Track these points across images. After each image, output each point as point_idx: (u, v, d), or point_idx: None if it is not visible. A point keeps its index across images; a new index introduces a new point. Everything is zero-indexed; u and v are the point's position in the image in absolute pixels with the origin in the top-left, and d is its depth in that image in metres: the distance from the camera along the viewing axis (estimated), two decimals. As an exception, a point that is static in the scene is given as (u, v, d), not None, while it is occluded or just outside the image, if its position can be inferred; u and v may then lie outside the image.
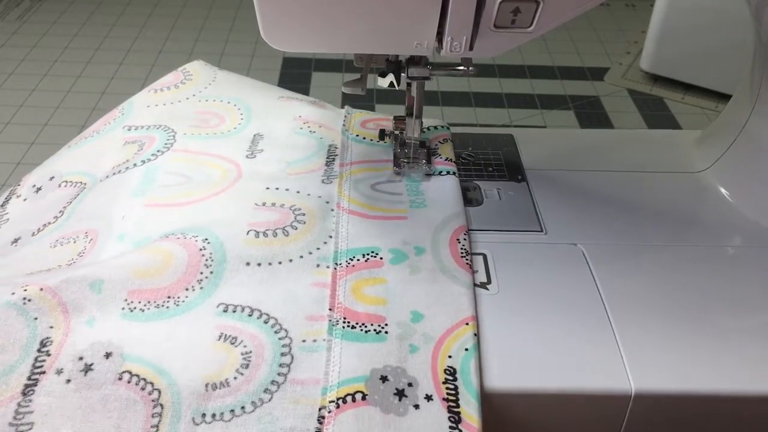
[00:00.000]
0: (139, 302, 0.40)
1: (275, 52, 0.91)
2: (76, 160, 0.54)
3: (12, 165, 0.71)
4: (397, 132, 0.54)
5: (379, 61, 0.48)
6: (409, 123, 0.52)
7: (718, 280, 0.45)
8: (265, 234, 0.45)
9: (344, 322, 0.40)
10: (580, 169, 0.56)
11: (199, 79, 0.61)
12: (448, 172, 0.52)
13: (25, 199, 0.53)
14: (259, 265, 0.43)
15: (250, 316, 0.40)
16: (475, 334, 0.40)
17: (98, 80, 0.87)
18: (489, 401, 0.38)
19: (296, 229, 0.45)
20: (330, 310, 0.41)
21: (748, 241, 0.49)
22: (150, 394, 0.37)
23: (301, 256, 0.44)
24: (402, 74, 0.49)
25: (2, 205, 0.53)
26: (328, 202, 0.48)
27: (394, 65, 0.48)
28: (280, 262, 0.43)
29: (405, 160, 0.53)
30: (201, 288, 0.41)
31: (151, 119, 0.55)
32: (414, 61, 0.47)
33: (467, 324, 0.41)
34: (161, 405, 0.36)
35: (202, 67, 0.62)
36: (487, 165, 0.56)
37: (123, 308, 0.40)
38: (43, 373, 0.37)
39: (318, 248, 0.45)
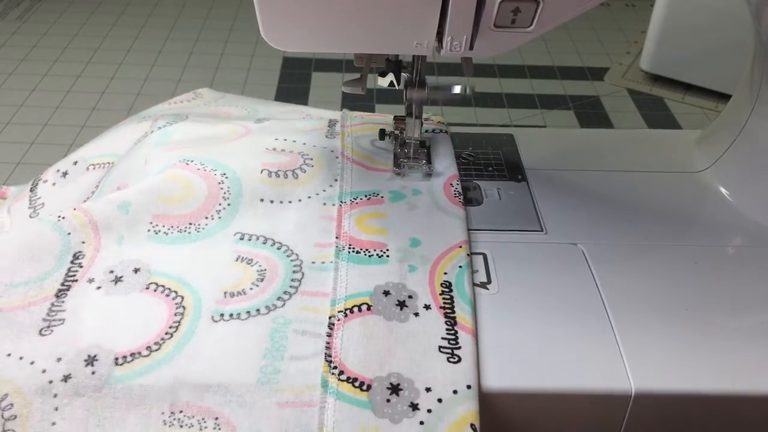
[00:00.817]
0: (163, 226, 0.46)
1: (275, 52, 0.91)
2: (99, 147, 0.57)
3: (12, 165, 0.71)
4: (397, 132, 0.54)
5: (379, 61, 0.48)
6: (409, 123, 0.52)
7: (718, 280, 0.45)
8: (276, 174, 0.49)
9: (349, 248, 0.45)
10: (580, 169, 0.56)
11: (209, 96, 0.68)
12: (440, 131, 0.57)
13: (53, 184, 0.54)
14: (271, 202, 0.48)
15: (264, 243, 0.46)
16: (468, 254, 0.45)
17: (98, 80, 0.87)
18: (489, 401, 0.38)
19: (305, 172, 0.50)
20: (336, 238, 0.46)
21: (748, 241, 0.49)
22: (174, 299, 0.42)
23: (309, 197, 0.49)
24: (402, 74, 0.49)
25: (32, 190, 0.54)
26: (332, 152, 0.53)
27: (394, 65, 0.48)
28: (290, 201, 0.48)
29: (405, 160, 0.53)
30: (219, 218, 0.46)
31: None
32: (413, 83, 0.50)
33: (460, 247, 0.46)
34: (183, 306, 0.41)
35: (209, 91, 0.70)
36: (487, 165, 0.56)
37: (149, 230, 0.45)
38: (76, 281, 0.42)
39: (324, 190, 0.50)
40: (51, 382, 0.37)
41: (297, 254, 0.45)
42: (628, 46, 0.96)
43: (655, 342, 0.41)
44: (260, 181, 0.48)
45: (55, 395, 0.36)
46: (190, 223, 0.46)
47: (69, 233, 0.44)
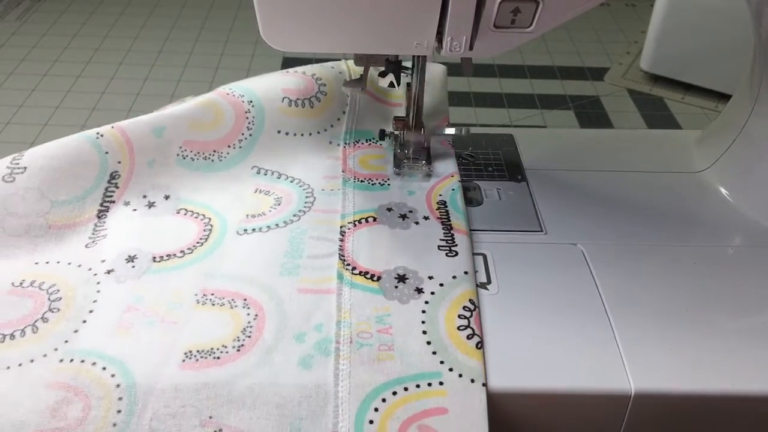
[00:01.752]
0: (191, 152, 0.51)
1: (275, 52, 0.91)
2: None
3: (12, 165, 0.70)
4: (397, 132, 0.54)
5: (379, 61, 0.48)
6: (410, 134, 0.52)
7: (718, 280, 0.45)
8: (296, 104, 0.53)
9: (355, 179, 0.52)
10: (580, 169, 0.56)
11: None
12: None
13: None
14: (287, 134, 0.53)
15: (278, 178, 0.52)
16: (459, 181, 0.52)
17: (98, 80, 0.87)
18: (488, 401, 0.38)
19: (319, 101, 0.55)
20: (343, 172, 0.52)
21: (748, 241, 0.49)
22: (202, 220, 0.48)
23: (318, 132, 0.54)
24: (402, 74, 0.49)
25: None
26: (341, 73, 0.56)
27: (394, 65, 0.48)
28: (302, 134, 0.53)
29: (405, 160, 0.53)
30: (240, 147, 0.52)
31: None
32: (410, 126, 0.52)
33: (452, 176, 0.52)
34: (211, 225, 0.48)
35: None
36: (487, 165, 0.56)
37: (177, 155, 0.50)
38: (113, 202, 0.48)
39: (332, 125, 0.55)
40: (95, 274, 0.43)
41: (308, 184, 0.51)
42: (628, 46, 0.96)
43: (655, 342, 0.41)
44: (281, 111, 0.53)
45: (99, 283, 0.43)
46: (214, 151, 0.51)
47: (107, 152, 0.48)
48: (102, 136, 0.48)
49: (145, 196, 0.48)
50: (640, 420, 0.39)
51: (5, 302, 0.42)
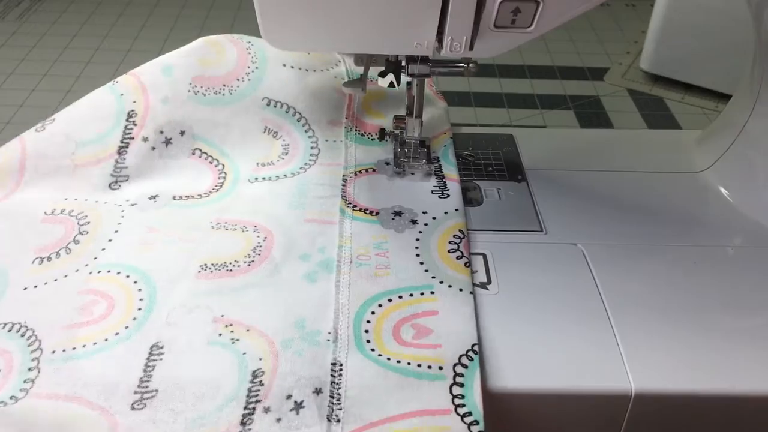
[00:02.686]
0: (201, 87, 0.53)
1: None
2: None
3: (12, 165, 0.70)
4: (397, 131, 0.54)
5: (379, 61, 0.48)
6: (410, 122, 0.52)
7: (718, 280, 0.45)
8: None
9: (356, 131, 0.55)
10: (580, 169, 0.56)
11: None
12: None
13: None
14: (292, 67, 0.55)
15: (287, 112, 0.54)
16: (451, 137, 0.56)
17: (98, 80, 0.86)
18: (488, 401, 0.37)
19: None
20: (346, 118, 0.55)
21: (748, 241, 0.49)
22: (216, 166, 0.52)
23: (322, 70, 0.56)
24: (402, 74, 0.49)
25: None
26: None
27: (394, 65, 0.48)
28: (307, 70, 0.55)
29: (405, 160, 0.53)
30: (249, 80, 0.54)
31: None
32: (414, 58, 0.48)
33: (445, 134, 0.57)
34: (225, 173, 0.52)
35: None
36: (487, 165, 0.56)
37: (189, 91, 0.52)
38: (132, 138, 0.51)
39: (336, 64, 0.57)
40: (120, 205, 0.49)
41: (314, 130, 0.54)
42: (628, 46, 0.96)
43: (655, 342, 0.41)
44: (281, 50, 0.55)
45: (123, 211, 0.48)
46: (224, 85, 0.53)
47: (122, 94, 0.52)
48: (117, 82, 0.53)
49: (161, 132, 0.52)
50: (640, 420, 0.39)
51: (40, 230, 0.47)
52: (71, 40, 0.96)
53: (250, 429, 0.35)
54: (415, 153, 0.53)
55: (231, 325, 0.40)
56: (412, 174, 0.53)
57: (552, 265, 0.46)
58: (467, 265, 0.44)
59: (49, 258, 0.45)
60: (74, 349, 0.39)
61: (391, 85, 0.50)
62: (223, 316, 0.40)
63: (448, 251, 0.45)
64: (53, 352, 0.39)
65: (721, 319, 0.43)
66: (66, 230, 0.47)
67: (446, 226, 0.48)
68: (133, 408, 0.36)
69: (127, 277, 0.43)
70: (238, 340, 0.39)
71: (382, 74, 0.49)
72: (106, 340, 0.39)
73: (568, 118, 0.80)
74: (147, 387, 0.37)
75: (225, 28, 1.00)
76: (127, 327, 0.40)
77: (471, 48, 0.39)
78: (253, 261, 0.44)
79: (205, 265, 0.44)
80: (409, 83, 0.51)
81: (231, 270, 0.43)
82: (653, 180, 0.55)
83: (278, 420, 0.35)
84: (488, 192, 0.53)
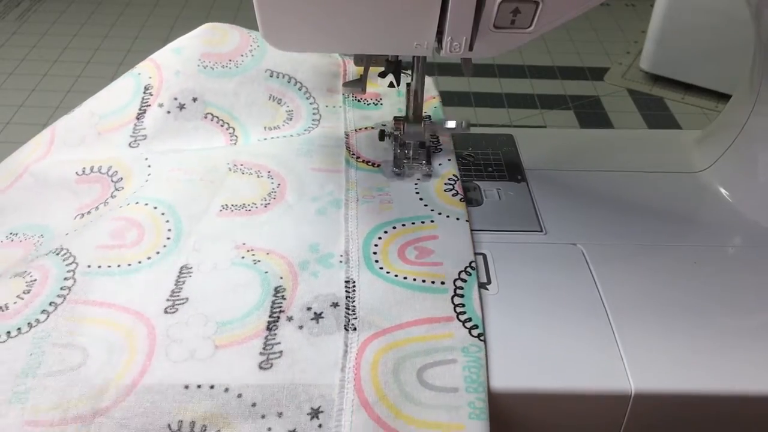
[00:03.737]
0: (210, 61, 0.57)
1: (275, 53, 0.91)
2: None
3: (12, 165, 0.70)
4: (396, 132, 0.54)
5: (379, 61, 0.48)
6: (408, 130, 0.52)
7: (717, 280, 0.45)
8: None
9: (353, 97, 0.60)
10: (580, 169, 0.56)
11: None
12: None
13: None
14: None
15: (288, 82, 0.58)
16: (440, 101, 0.60)
17: (98, 80, 0.86)
18: (489, 401, 0.37)
19: None
20: (343, 86, 0.58)
21: (748, 241, 0.49)
22: (227, 129, 0.56)
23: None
24: (402, 74, 0.49)
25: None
26: None
27: (394, 65, 0.48)
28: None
29: (405, 161, 0.53)
30: (252, 55, 0.58)
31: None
32: (408, 118, 0.53)
33: (434, 98, 0.61)
34: (236, 136, 0.56)
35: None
36: (487, 165, 0.56)
37: (198, 65, 0.57)
38: (149, 105, 0.55)
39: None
40: (145, 156, 0.52)
41: (314, 98, 0.58)
42: (628, 46, 0.96)
43: (655, 342, 0.41)
44: None
45: (147, 159, 0.52)
46: (230, 60, 0.57)
47: (139, 74, 0.57)
48: (135, 68, 0.58)
49: (176, 99, 0.55)
50: (640, 420, 0.39)
51: (76, 189, 0.51)
52: (71, 40, 0.96)
53: (275, 334, 0.39)
54: (414, 154, 0.53)
55: (252, 250, 0.45)
56: (412, 175, 0.53)
57: (552, 265, 0.46)
58: (462, 200, 0.50)
59: (89, 212, 0.49)
60: (109, 267, 0.43)
61: (391, 85, 0.50)
62: (244, 243, 0.45)
63: (444, 190, 0.51)
64: (89, 266, 0.43)
65: (721, 319, 0.43)
66: (102, 188, 0.51)
67: (441, 172, 0.53)
68: (165, 312, 0.40)
69: (155, 208, 0.47)
70: (259, 261, 0.44)
71: (382, 74, 0.49)
72: (139, 262, 0.43)
73: (568, 118, 0.80)
74: (178, 296, 0.41)
75: (225, 28, 1.00)
76: (158, 252, 0.44)
77: (471, 48, 0.39)
78: (268, 204, 0.49)
79: (226, 205, 0.48)
80: (408, 84, 0.51)
81: (249, 210, 0.48)
82: (653, 180, 0.55)
83: (300, 327, 0.40)
84: (488, 192, 0.53)
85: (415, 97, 0.51)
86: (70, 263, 0.43)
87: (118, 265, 0.43)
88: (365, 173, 0.52)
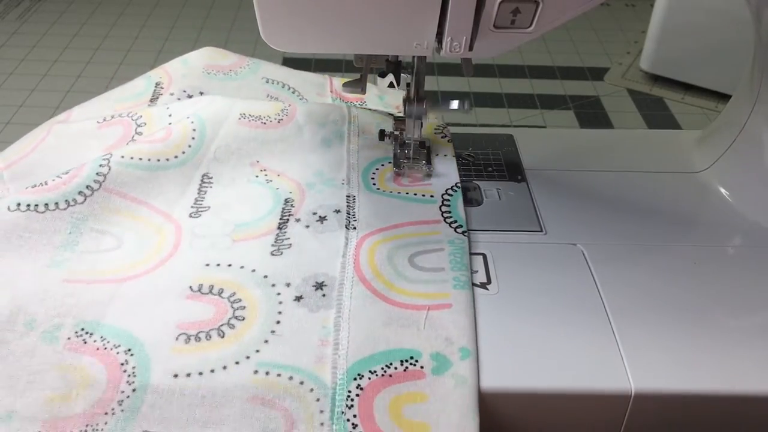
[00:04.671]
0: (213, 70, 0.61)
1: (275, 52, 0.91)
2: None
3: (12, 165, 0.70)
4: (396, 132, 0.54)
5: (379, 61, 0.48)
6: (409, 123, 0.52)
7: (718, 280, 0.45)
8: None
9: (340, 100, 0.63)
10: (580, 169, 0.56)
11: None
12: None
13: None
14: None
15: (282, 87, 0.62)
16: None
17: (98, 80, 0.86)
18: (488, 401, 0.38)
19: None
20: (330, 92, 0.64)
21: (748, 241, 0.49)
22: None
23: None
24: (402, 74, 0.49)
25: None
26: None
27: (393, 65, 0.48)
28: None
29: (405, 161, 0.53)
30: (249, 67, 0.62)
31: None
32: (410, 98, 0.51)
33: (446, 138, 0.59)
34: None
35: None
36: (487, 165, 0.56)
37: (203, 72, 0.60)
38: (161, 95, 0.58)
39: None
40: (168, 107, 0.54)
41: (306, 99, 0.61)
42: (628, 46, 0.96)
43: (655, 342, 0.41)
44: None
45: (167, 107, 0.54)
46: (230, 70, 0.61)
47: (149, 76, 0.60)
48: (144, 74, 0.61)
49: (184, 91, 0.58)
50: (640, 420, 0.39)
51: (99, 134, 0.53)
52: (71, 40, 0.96)
53: (285, 231, 0.46)
54: (414, 154, 0.53)
55: (265, 170, 0.51)
56: (411, 175, 0.52)
57: (552, 265, 0.46)
58: (449, 141, 0.56)
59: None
60: (140, 159, 0.48)
61: (391, 85, 0.50)
62: (258, 161, 0.51)
63: (434, 133, 0.57)
64: (122, 156, 0.47)
65: (721, 319, 0.43)
66: (125, 129, 0.53)
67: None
68: (190, 216, 0.47)
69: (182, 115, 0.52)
70: (271, 180, 0.50)
71: (382, 74, 0.49)
72: (167, 159, 0.49)
73: (568, 118, 0.80)
74: (201, 204, 0.48)
75: (225, 28, 1.00)
76: (183, 152, 0.49)
77: (470, 48, 0.39)
78: (281, 120, 0.53)
79: (244, 114, 0.53)
80: (408, 84, 0.51)
81: (264, 123, 0.53)
82: (653, 180, 0.55)
83: (307, 226, 0.47)
84: (488, 192, 0.53)
85: (418, 74, 0.50)
86: (105, 153, 0.48)
87: (149, 159, 0.48)
88: (364, 111, 0.57)
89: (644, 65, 0.87)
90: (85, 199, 0.46)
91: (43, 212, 0.44)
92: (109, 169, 0.47)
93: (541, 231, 0.49)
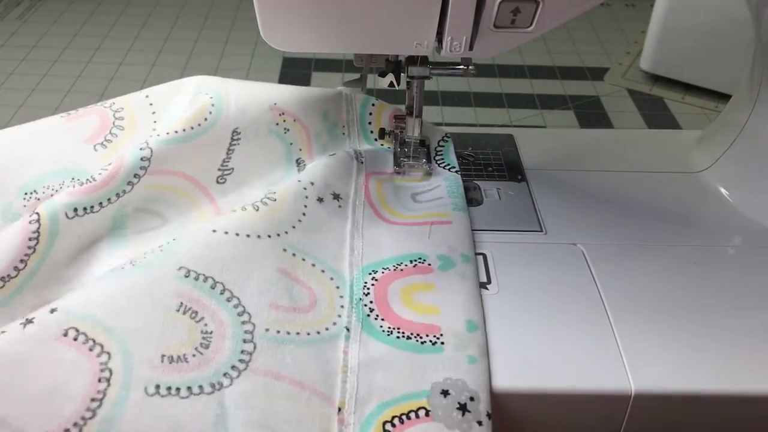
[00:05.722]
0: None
1: (275, 52, 0.91)
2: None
3: (12, 165, 0.70)
4: (397, 131, 0.54)
5: (379, 61, 0.48)
6: (409, 122, 0.52)
7: (718, 280, 0.45)
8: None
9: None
10: (580, 169, 0.56)
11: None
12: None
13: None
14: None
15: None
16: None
17: (98, 80, 0.86)
18: (490, 400, 0.37)
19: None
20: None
21: (748, 241, 0.49)
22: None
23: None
24: (402, 74, 0.49)
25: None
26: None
27: (394, 65, 0.48)
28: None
29: (405, 159, 0.53)
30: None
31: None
32: (413, 60, 0.48)
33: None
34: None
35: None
36: (487, 165, 0.56)
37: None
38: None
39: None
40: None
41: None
42: (628, 46, 0.96)
43: (655, 342, 0.41)
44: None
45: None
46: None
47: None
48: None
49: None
50: (640, 420, 0.39)
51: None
52: (71, 40, 0.96)
53: (300, 170, 0.51)
54: (414, 152, 0.53)
55: (283, 114, 0.51)
56: (412, 174, 0.53)
57: (552, 265, 0.46)
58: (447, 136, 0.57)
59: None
60: (176, 132, 0.48)
61: (391, 84, 0.50)
62: (275, 104, 0.51)
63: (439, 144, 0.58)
64: (158, 135, 0.48)
65: (721, 319, 0.43)
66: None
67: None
68: (217, 182, 0.49)
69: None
70: (288, 130, 0.51)
71: (382, 74, 0.49)
72: (199, 125, 0.49)
73: (568, 118, 0.80)
74: (227, 166, 0.50)
75: (225, 28, 1.00)
76: (210, 113, 0.50)
77: (471, 48, 0.39)
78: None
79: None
80: (408, 83, 0.51)
81: None
82: (653, 180, 0.55)
83: (305, 197, 0.47)
84: (488, 192, 0.53)
85: (416, 98, 0.51)
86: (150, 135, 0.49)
87: (183, 129, 0.48)
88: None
89: (644, 65, 0.87)
90: (132, 188, 0.46)
91: (97, 211, 0.45)
92: (151, 151, 0.47)
93: (541, 231, 0.49)
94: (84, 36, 0.97)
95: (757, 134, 0.52)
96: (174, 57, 0.93)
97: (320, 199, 0.47)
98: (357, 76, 0.52)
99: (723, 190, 0.54)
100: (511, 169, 0.56)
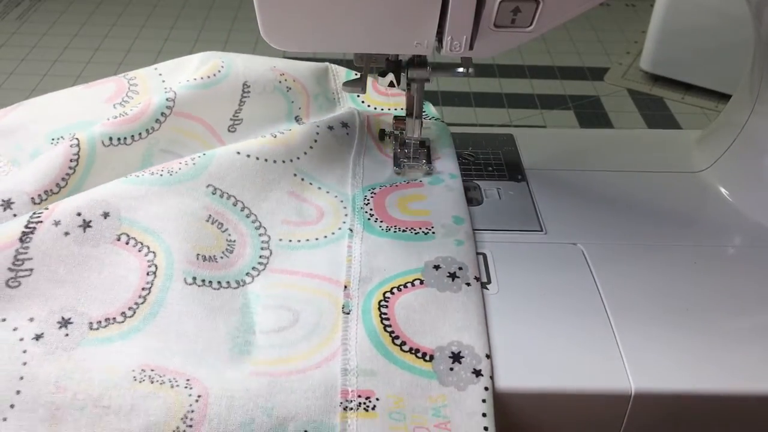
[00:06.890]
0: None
1: (275, 52, 0.91)
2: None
3: (12, 165, 0.70)
4: (397, 132, 0.54)
5: (379, 61, 0.48)
6: (409, 123, 0.52)
7: (718, 280, 0.45)
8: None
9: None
10: (580, 169, 0.56)
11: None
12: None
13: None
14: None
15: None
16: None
17: (98, 80, 0.86)
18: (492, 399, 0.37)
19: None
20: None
21: (748, 241, 0.49)
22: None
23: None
24: (402, 74, 0.49)
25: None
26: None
27: (394, 65, 0.48)
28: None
29: (405, 160, 0.53)
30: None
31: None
32: (414, 62, 0.48)
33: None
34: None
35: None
36: (487, 165, 0.56)
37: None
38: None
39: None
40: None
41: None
42: (628, 46, 0.96)
43: (655, 342, 0.41)
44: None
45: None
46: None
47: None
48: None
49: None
50: (640, 420, 0.39)
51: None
52: (71, 40, 0.96)
53: (300, 121, 0.55)
54: (415, 153, 0.53)
55: (284, 74, 0.56)
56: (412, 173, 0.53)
57: (552, 265, 0.46)
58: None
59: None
60: (195, 80, 0.52)
61: (391, 84, 0.50)
62: (275, 66, 0.56)
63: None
64: (179, 82, 0.53)
65: (721, 318, 0.42)
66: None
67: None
68: (228, 131, 0.53)
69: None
70: (290, 89, 0.56)
71: (382, 74, 0.49)
72: (214, 75, 0.53)
73: (568, 118, 0.80)
74: (237, 116, 0.54)
75: (225, 28, 1.00)
76: (221, 68, 0.54)
77: (471, 48, 0.39)
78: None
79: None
80: (408, 85, 0.51)
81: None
82: (653, 180, 0.55)
83: (317, 126, 0.52)
84: (488, 192, 0.53)
85: (416, 99, 0.51)
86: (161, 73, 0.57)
87: (201, 78, 0.53)
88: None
89: (644, 65, 0.87)
90: (160, 126, 0.50)
91: (129, 144, 0.48)
92: (175, 94, 0.51)
93: (541, 231, 0.49)
94: (84, 36, 0.97)
95: (757, 134, 0.52)
96: (174, 57, 0.92)
97: (330, 128, 0.53)
98: (357, 76, 0.52)
99: (723, 190, 0.54)
100: (511, 169, 0.56)
